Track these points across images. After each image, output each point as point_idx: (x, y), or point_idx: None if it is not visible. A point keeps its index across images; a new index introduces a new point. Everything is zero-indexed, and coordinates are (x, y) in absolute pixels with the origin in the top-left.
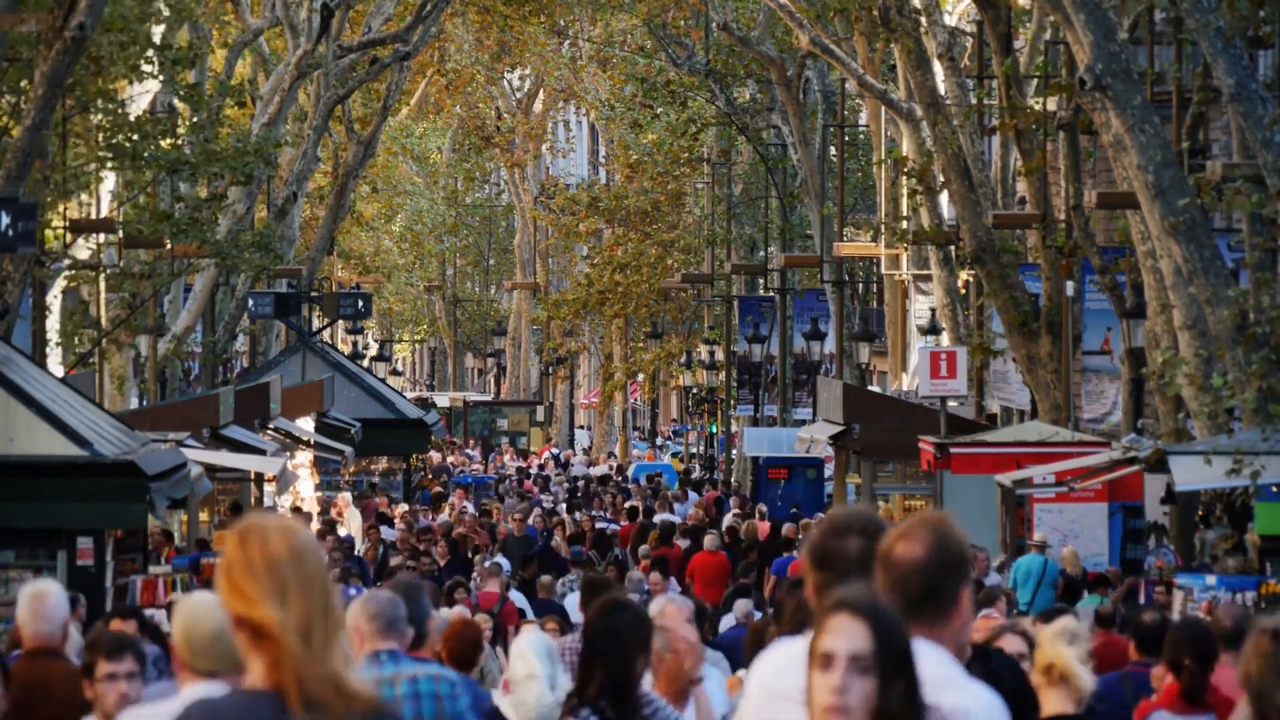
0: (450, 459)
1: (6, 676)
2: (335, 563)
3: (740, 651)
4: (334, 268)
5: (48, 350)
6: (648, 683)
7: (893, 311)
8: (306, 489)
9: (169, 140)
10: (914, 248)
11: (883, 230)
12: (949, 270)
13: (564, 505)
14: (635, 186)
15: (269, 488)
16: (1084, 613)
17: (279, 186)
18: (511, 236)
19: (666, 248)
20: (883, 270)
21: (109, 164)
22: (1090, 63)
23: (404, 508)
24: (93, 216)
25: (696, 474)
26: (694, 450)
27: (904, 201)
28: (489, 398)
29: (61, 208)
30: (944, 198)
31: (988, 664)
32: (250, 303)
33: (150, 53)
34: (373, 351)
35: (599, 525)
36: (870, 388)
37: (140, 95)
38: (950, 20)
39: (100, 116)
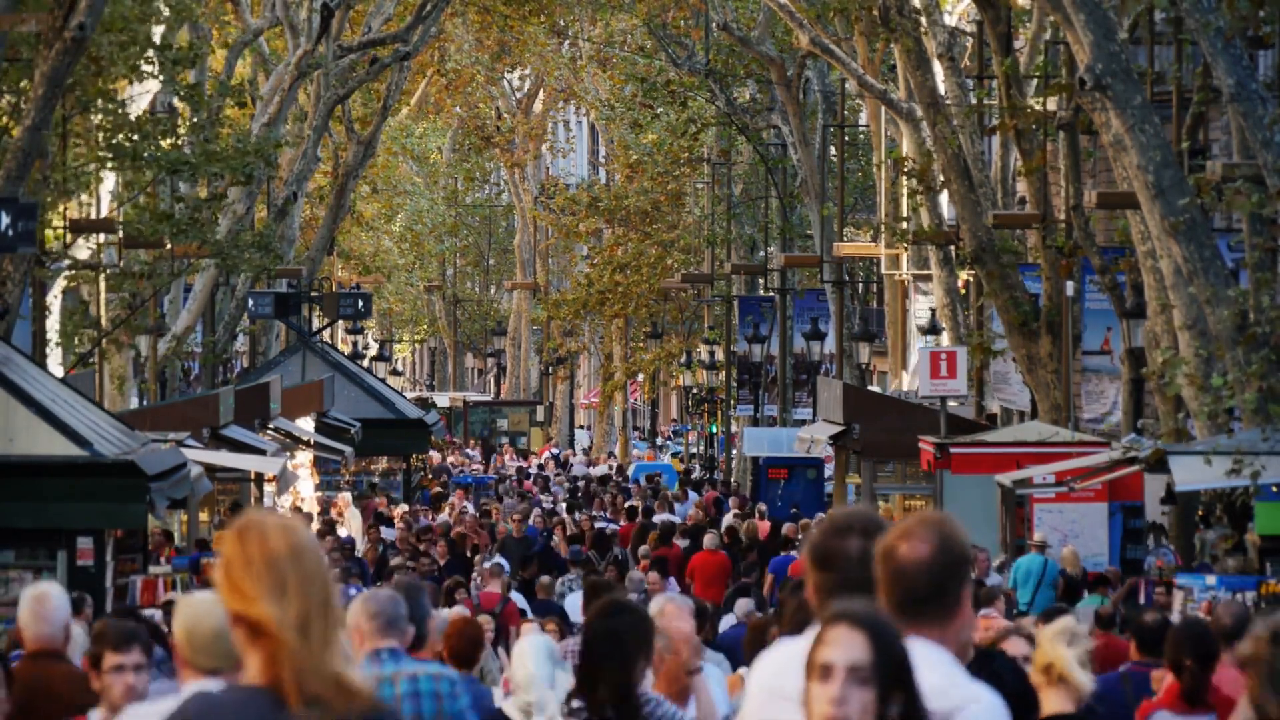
0: (450, 459)
1: (9, 678)
2: (335, 563)
3: (741, 651)
4: (334, 268)
5: (48, 350)
6: (648, 683)
7: (893, 311)
8: (306, 489)
9: (169, 140)
10: (914, 248)
11: (883, 230)
12: (949, 270)
13: (564, 505)
14: (635, 186)
15: (269, 488)
16: (1084, 613)
17: (279, 186)
18: (511, 236)
19: (666, 248)
20: (883, 270)
21: (109, 164)
22: (1090, 63)
23: (403, 508)
24: (93, 216)
25: (696, 474)
26: (694, 450)
27: (904, 201)
28: (489, 398)
29: (61, 208)
30: (944, 198)
31: (990, 665)
32: (250, 303)
33: (150, 53)
34: (373, 351)
35: (598, 525)
36: (870, 388)
37: (140, 95)
38: (950, 20)
39: (100, 116)
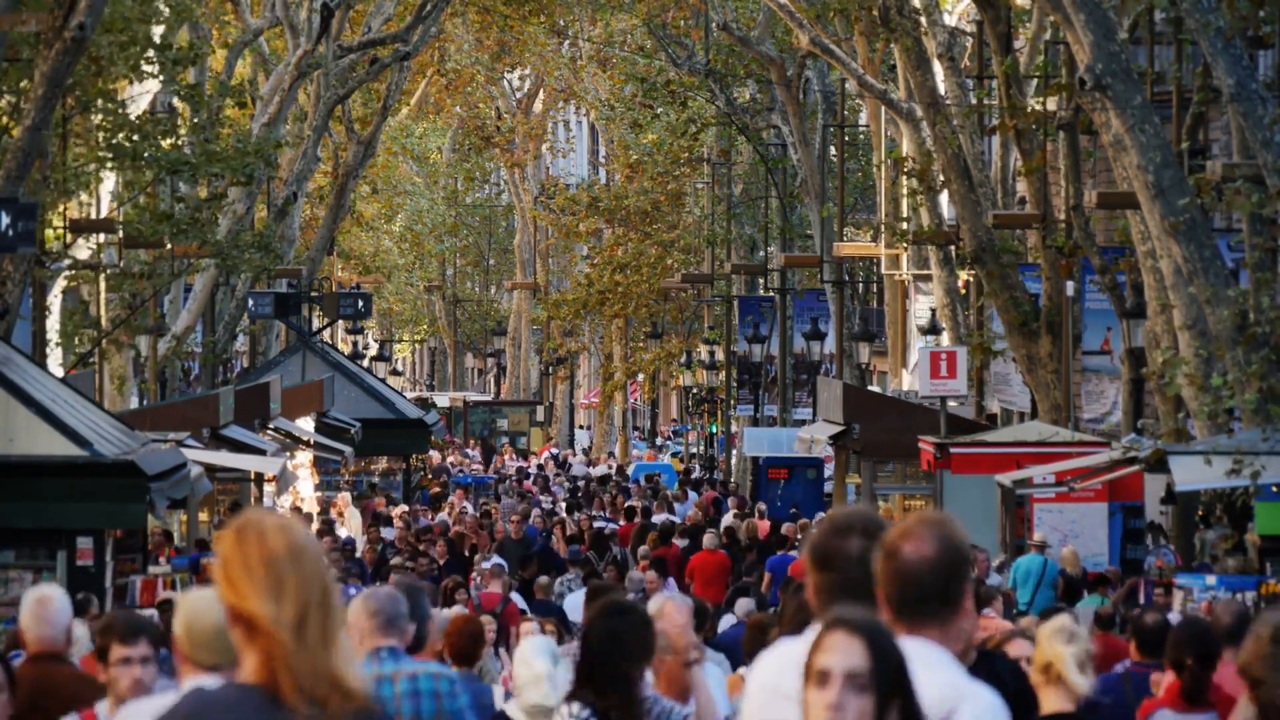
0: (450, 459)
1: (12, 680)
2: (334, 563)
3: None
4: (334, 268)
5: (48, 350)
6: (648, 683)
7: (893, 311)
8: (306, 489)
9: (169, 140)
10: (914, 248)
11: (883, 230)
12: (949, 270)
13: (564, 505)
14: (635, 186)
15: (269, 488)
16: (1084, 613)
17: (279, 187)
18: (511, 236)
19: (666, 248)
20: (883, 270)
21: (109, 164)
22: (1090, 63)
23: (403, 508)
24: (93, 216)
25: (696, 474)
26: (694, 450)
27: (904, 201)
28: (489, 398)
29: (61, 208)
30: (944, 198)
31: (991, 667)
32: (250, 303)
33: (150, 53)
34: (373, 351)
35: (597, 525)
36: (870, 388)
37: (140, 95)
38: (950, 20)
39: (100, 116)
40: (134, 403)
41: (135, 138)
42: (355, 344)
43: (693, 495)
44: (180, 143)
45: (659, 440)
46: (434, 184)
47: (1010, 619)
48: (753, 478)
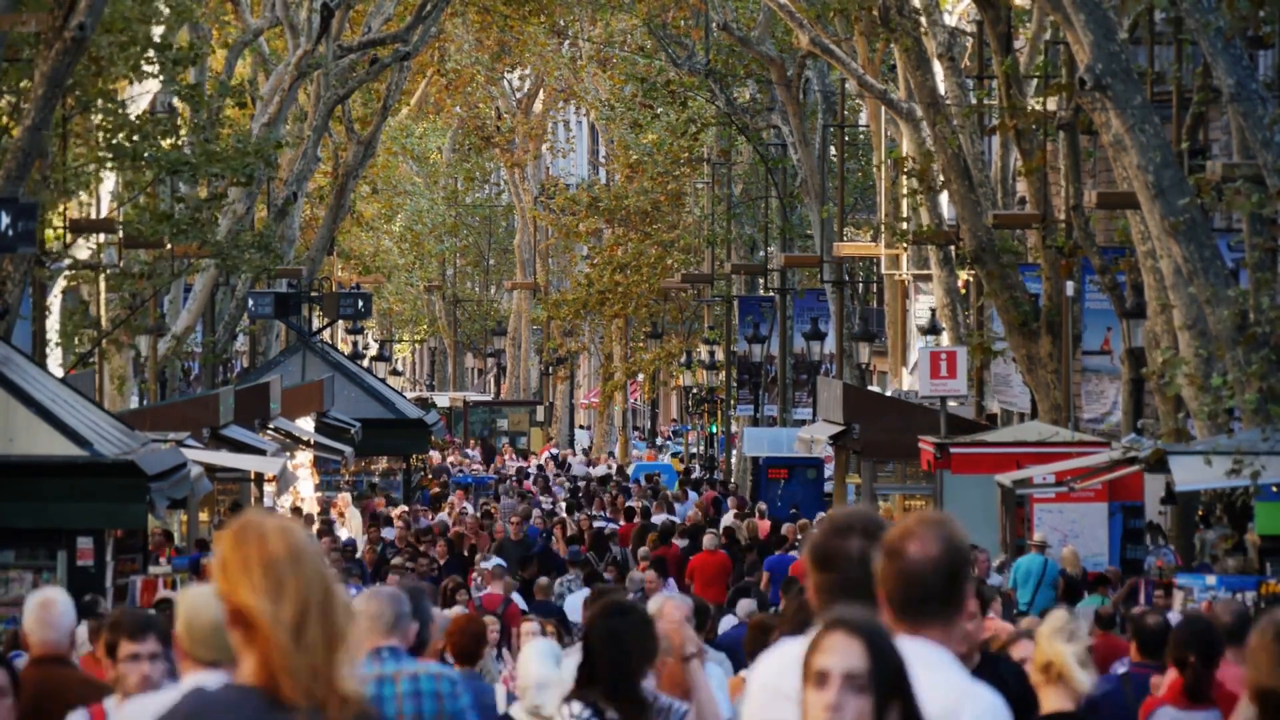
0: (450, 459)
1: (16, 683)
2: (334, 564)
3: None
4: (334, 268)
5: (48, 350)
6: (648, 684)
7: (893, 311)
8: (306, 489)
9: (169, 140)
10: (914, 248)
11: (883, 230)
12: (949, 270)
13: (564, 506)
14: (635, 186)
15: (269, 488)
16: (1084, 613)
17: (279, 187)
18: (511, 236)
19: (666, 248)
20: (883, 270)
21: (109, 164)
22: (1090, 63)
23: (402, 508)
24: (93, 216)
25: (696, 474)
26: (694, 450)
27: (904, 201)
28: (489, 398)
29: (61, 208)
30: (944, 198)
31: (994, 668)
32: (250, 303)
33: (150, 53)
34: (373, 351)
35: (597, 525)
36: (870, 388)
37: (140, 95)
38: (950, 20)
39: (100, 116)
40: (134, 403)
41: (135, 138)
42: (355, 344)
43: (693, 495)
44: (180, 143)
45: (659, 440)
46: (434, 184)
47: (1010, 619)
48: (753, 478)
